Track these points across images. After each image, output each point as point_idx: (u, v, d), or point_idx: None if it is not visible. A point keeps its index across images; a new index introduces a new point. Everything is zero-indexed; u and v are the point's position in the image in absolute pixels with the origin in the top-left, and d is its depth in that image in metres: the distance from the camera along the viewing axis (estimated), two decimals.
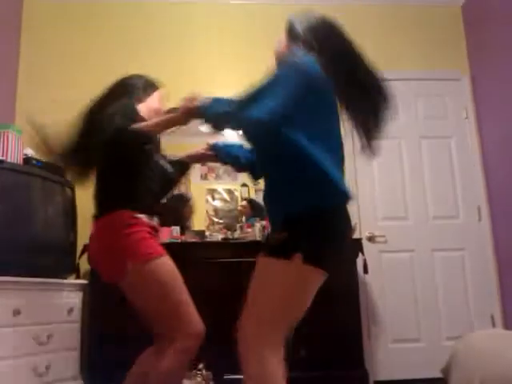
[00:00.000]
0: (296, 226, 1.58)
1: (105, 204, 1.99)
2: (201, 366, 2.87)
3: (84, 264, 3.21)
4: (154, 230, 2.05)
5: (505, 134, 3.30)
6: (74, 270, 3.24)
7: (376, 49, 4.10)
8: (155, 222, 2.11)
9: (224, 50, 4.04)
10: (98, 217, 1.98)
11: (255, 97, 1.57)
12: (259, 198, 3.79)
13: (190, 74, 3.91)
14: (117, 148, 1.93)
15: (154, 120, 1.91)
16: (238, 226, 3.62)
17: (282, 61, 1.79)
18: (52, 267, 2.99)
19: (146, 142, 1.93)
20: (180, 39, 4.06)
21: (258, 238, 3.42)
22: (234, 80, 3.74)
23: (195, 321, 1.95)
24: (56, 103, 3.77)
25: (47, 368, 2.72)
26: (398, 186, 3.92)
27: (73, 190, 3.30)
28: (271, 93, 1.54)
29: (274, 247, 1.63)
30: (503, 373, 1.53)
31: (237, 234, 3.49)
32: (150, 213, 2.04)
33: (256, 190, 3.81)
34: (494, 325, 3.66)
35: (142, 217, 1.97)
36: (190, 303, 1.96)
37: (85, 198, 3.42)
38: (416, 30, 4.22)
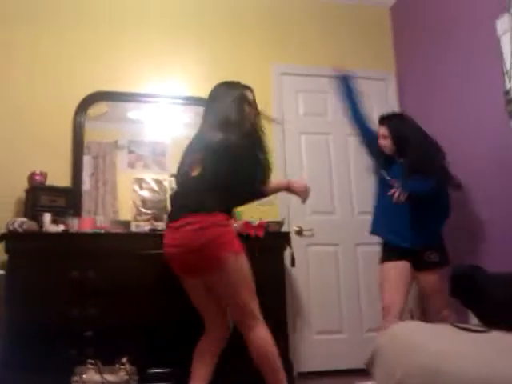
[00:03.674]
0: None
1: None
2: (124, 360, 2.79)
3: (0, 254, 3.01)
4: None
5: (428, 132, 3.49)
6: None
7: (304, 46, 4.21)
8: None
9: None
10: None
11: None
12: None
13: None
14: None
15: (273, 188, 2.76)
16: (165, 216, 3.53)
17: None
18: None
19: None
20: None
21: None
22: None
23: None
24: None
25: None
26: (326, 182, 4.01)
27: None
28: None
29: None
30: (424, 364, 1.59)
31: (164, 225, 3.40)
32: None
33: None
34: (412, 318, 3.83)
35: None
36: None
37: None
38: (345, 29, 4.31)
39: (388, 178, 3.08)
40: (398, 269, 3.02)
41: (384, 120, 3.21)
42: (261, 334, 2.39)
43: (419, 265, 3.03)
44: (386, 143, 3.13)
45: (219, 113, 2.54)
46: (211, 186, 2.41)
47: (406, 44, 4.18)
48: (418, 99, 3.97)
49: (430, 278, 3.06)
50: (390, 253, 3.09)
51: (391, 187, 2.91)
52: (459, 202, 3.26)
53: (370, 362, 2.03)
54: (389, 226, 3.10)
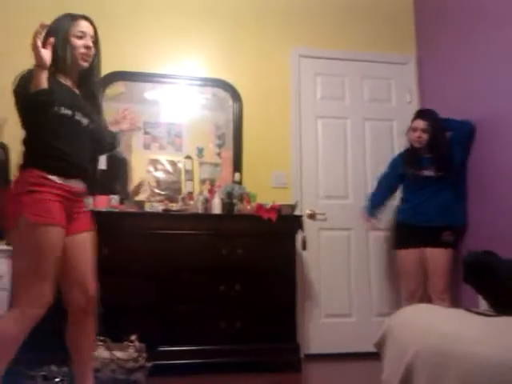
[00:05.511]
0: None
1: (22, 161, 2.07)
2: (133, 337, 2.83)
3: None
4: (72, 193, 2.11)
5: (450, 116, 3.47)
6: (3, 236, 3.08)
7: (324, 29, 4.16)
8: (77, 186, 2.17)
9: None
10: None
11: None
12: (202, 172, 3.74)
13: None
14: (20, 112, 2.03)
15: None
16: (179, 197, 3.56)
17: None
18: None
19: (44, 99, 1.92)
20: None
21: (200, 211, 3.38)
22: None
23: (42, 295, 1.99)
24: None
25: None
26: (341, 166, 3.99)
27: (6, 150, 3.12)
28: None
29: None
30: (435, 346, 1.59)
31: (178, 206, 3.43)
32: (68, 175, 2.08)
33: (200, 163, 3.76)
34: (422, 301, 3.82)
35: (54, 178, 2.02)
36: (49, 280, 2.00)
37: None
38: (366, 13, 4.24)
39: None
40: (415, 255, 3.30)
41: (423, 114, 3.42)
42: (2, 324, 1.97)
43: (434, 243, 3.24)
44: (422, 137, 3.33)
45: None
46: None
47: (427, 28, 4.10)
48: (439, 83, 3.90)
49: (440, 258, 3.23)
50: (405, 239, 3.36)
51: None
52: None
53: (381, 343, 2.04)
54: (415, 210, 3.35)
